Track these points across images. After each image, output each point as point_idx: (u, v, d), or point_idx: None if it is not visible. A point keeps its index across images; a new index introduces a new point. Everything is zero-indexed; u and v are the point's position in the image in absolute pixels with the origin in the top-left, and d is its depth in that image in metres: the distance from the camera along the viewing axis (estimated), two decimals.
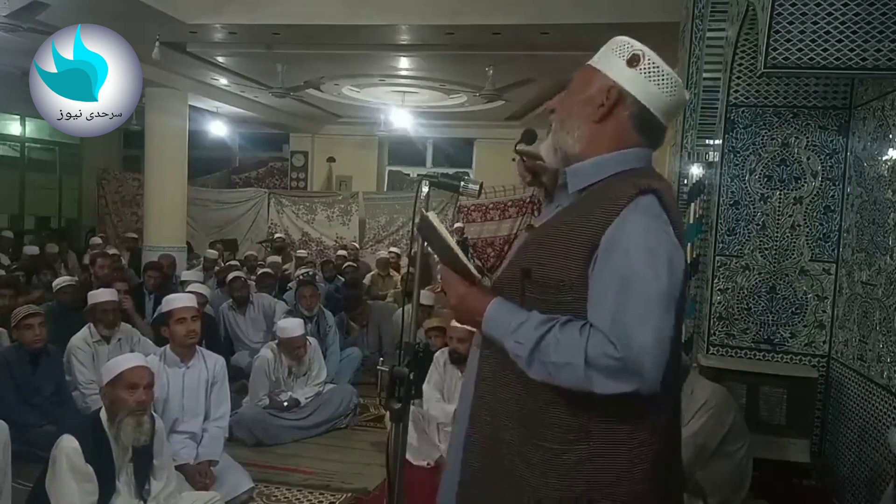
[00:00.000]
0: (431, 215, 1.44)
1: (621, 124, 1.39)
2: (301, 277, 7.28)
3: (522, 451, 1.34)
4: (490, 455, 1.39)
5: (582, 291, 1.29)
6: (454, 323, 3.93)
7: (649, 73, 1.37)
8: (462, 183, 1.64)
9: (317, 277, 7.96)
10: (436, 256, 1.53)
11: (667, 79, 1.38)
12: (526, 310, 1.33)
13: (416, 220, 1.48)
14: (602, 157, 1.39)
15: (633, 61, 1.38)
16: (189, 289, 5.17)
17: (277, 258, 8.79)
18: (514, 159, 1.69)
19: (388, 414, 1.63)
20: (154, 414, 2.84)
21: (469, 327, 1.50)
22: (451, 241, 1.44)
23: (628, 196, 1.28)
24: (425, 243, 1.52)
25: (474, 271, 1.43)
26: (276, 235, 11.05)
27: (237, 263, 8.09)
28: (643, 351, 1.19)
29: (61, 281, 5.39)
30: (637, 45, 1.40)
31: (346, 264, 8.28)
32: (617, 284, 1.23)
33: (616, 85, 1.38)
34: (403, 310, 2.01)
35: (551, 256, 1.33)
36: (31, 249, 8.51)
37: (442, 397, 4.03)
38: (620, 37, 1.44)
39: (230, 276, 6.16)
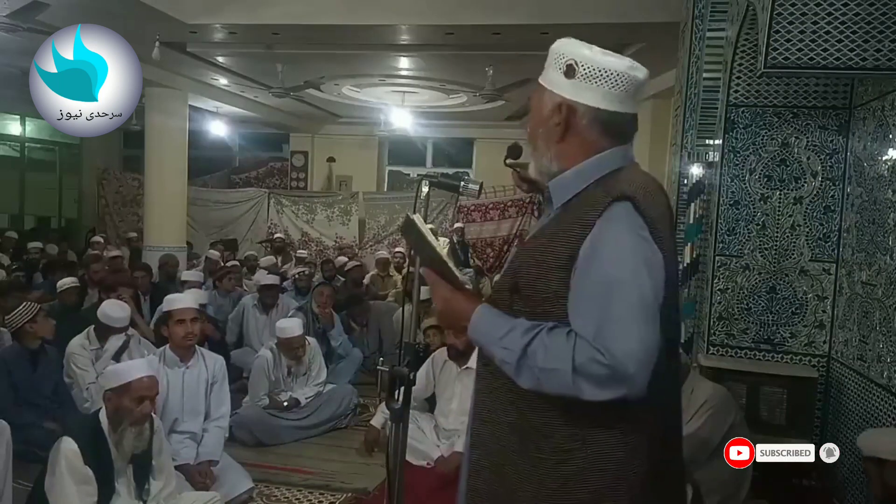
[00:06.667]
0: (416, 218, 1.43)
1: (584, 134, 1.37)
2: (297, 276, 7.28)
3: (521, 462, 1.34)
4: (491, 468, 1.40)
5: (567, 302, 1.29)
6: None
7: (589, 78, 1.34)
8: (462, 183, 1.64)
9: (315, 277, 7.96)
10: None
11: (609, 76, 1.33)
12: (513, 317, 1.33)
13: (400, 222, 1.47)
14: (579, 168, 1.38)
15: (569, 73, 1.35)
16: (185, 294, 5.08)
17: (273, 258, 8.79)
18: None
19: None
20: (153, 415, 2.82)
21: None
22: (437, 245, 1.43)
23: (602, 205, 1.28)
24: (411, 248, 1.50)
25: (459, 276, 1.42)
26: (276, 235, 11.03)
27: (237, 264, 8.08)
28: (628, 357, 1.19)
29: (65, 282, 5.35)
30: (569, 53, 1.36)
31: (351, 267, 8.26)
32: (597, 294, 1.24)
33: (564, 100, 1.36)
34: (403, 309, 2.01)
35: (536, 270, 1.33)
36: (35, 245, 8.62)
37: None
38: (556, 44, 1.40)
39: (263, 282, 6.04)
